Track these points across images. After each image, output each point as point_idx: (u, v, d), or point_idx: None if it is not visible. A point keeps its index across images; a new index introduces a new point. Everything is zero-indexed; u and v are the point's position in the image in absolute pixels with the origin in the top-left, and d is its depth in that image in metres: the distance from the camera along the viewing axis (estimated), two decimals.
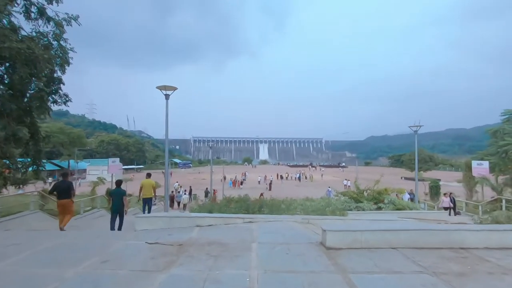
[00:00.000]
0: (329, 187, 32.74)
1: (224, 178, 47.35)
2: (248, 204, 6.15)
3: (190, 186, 27.82)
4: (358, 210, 9.53)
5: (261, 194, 21.33)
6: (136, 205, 14.27)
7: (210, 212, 5.96)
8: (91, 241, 4.94)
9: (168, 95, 8.22)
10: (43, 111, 9.63)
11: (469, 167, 15.69)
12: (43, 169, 10.54)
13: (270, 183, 41.73)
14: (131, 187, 32.60)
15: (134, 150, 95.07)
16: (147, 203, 9.66)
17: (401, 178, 54.14)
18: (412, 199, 12.98)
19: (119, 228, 8.32)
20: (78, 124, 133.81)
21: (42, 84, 8.88)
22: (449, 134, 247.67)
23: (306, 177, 54.93)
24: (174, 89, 8.15)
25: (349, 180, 45.43)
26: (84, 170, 49.44)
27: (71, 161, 46.09)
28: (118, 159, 15.59)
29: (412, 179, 52.50)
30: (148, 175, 10.51)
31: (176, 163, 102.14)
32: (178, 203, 24.93)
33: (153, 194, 9.83)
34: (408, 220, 7.19)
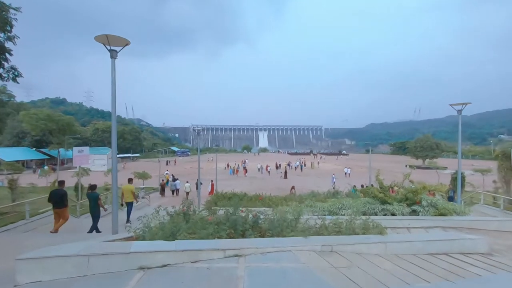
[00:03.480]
0: (333, 175, 33.42)
1: (228, 165, 45.91)
2: (236, 220, 3.81)
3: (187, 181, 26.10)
4: (384, 214, 7.27)
5: (292, 187, 19.02)
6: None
7: (173, 234, 3.62)
8: None
9: (115, 51, 5.30)
10: None
11: (507, 157, 13.39)
12: None
13: (286, 172, 38.86)
14: (122, 177, 30.55)
15: (131, 138, 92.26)
16: (128, 206, 10.15)
17: (406, 166, 51.97)
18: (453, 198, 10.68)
19: (91, 230, 8.60)
20: (75, 112, 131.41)
21: None
22: (449, 121, 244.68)
23: (305, 165, 52.72)
24: (124, 43, 5.23)
25: (349, 168, 43.38)
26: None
27: (61, 150, 43.74)
28: (87, 148, 13.16)
29: (419, 167, 50.53)
30: (129, 180, 11.28)
31: (174, 151, 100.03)
32: (173, 191, 23.61)
33: (133, 199, 10.41)
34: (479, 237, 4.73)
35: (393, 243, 4.13)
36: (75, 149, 11.63)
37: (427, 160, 52.96)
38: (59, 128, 47.05)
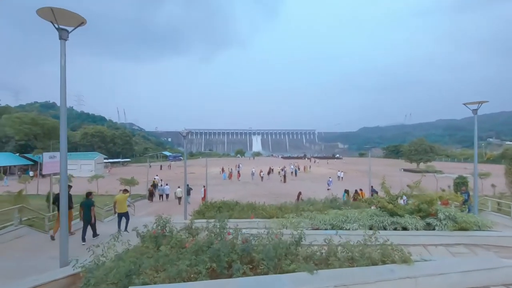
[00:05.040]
0: (330, 178, 33.44)
1: (222, 170, 44.95)
2: (220, 249, 2.79)
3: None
4: (395, 228, 6.33)
5: (299, 194, 18.12)
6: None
7: (131, 275, 2.58)
8: None
9: (66, 31, 4.18)
10: None
11: None
12: None
13: (285, 176, 38.36)
14: (107, 183, 29.05)
15: (121, 142, 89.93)
16: (124, 216, 10.08)
17: (400, 169, 51.55)
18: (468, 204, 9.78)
19: (94, 235, 9.06)
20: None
21: None
22: (439, 125, 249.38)
23: (299, 169, 51.92)
24: (78, 21, 4.13)
25: (343, 172, 42.71)
26: None
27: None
28: (58, 153, 11.87)
29: (413, 171, 50.14)
30: (124, 191, 11.26)
31: (166, 156, 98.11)
32: (161, 196, 22.79)
33: (127, 208, 10.28)
34: None
35: (424, 277, 3.18)
36: (46, 154, 10.35)
37: (422, 163, 52.70)
38: (44, 133, 45.29)
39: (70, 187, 9.48)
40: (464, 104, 9.17)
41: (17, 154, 48.21)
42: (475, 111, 9.06)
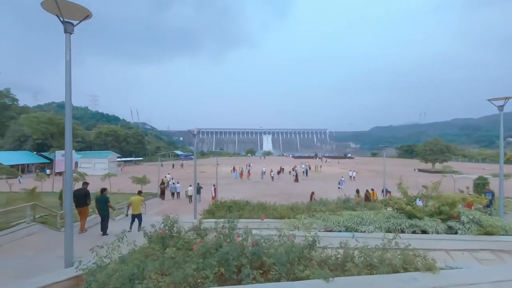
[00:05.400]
0: (342, 177, 33.17)
1: (234, 169, 45.16)
2: (229, 253, 2.59)
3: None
4: (413, 232, 5.99)
5: (312, 194, 18.47)
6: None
7: (134, 279, 2.43)
8: None
9: (71, 25, 4.02)
10: None
11: None
12: None
13: (297, 175, 38.08)
14: (120, 181, 29.28)
15: (134, 141, 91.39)
16: (137, 218, 10.21)
17: (414, 170, 50.16)
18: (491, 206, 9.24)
19: (102, 230, 9.27)
20: (81, 116, 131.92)
21: None
22: (455, 124, 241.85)
23: (310, 168, 51.39)
24: (84, 14, 3.96)
25: (355, 171, 41.90)
26: (76, 163, 46.28)
27: (75, 153, 42.96)
28: (74, 151, 11.93)
29: (428, 171, 48.71)
30: (139, 193, 11.52)
31: (177, 155, 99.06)
32: (173, 194, 23.04)
33: (141, 210, 10.37)
34: None
35: None
36: (58, 152, 10.39)
37: (438, 164, 51.16)
38: (59, 132, 46.41)
39: (87, 184, 10.02)
40: (489, 100, 8.63)
41: (35, 152, 49.67)
42: (501, 107, 8.52)
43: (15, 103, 61.88)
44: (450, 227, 5.92)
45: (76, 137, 48.27)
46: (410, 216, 6.27)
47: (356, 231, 6.24)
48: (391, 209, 7.19)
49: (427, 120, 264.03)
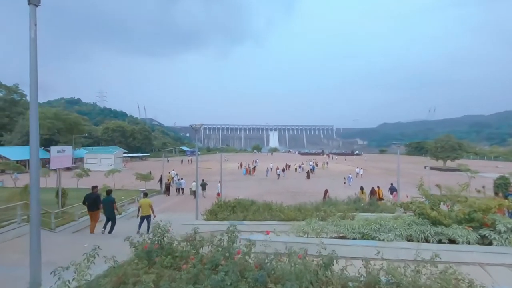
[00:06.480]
0: (349, 174, 32.77)
1: (241, 165, 44.86)
2: (225, 280, 1.93)
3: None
4: (439, 241, 5.29)
5: (326, 192, 18.25)
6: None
7: None
8: None
9: None
10: None
11: None
12: None
13: (308, 172, 37.87)
14: (124, 178, 28.86)
15: (141, 137, 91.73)
16: (146, 219, 10.24)
17: (425, 167, 48.76)
18: None
19: (110, 231, 9.44)
20: (89, 112, 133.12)
21: None
22: (465, 121, 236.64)
23: (316, 165, 50.57)
24: None
25: (362, 168, 40.90)
26: (82, 159, 46.37)
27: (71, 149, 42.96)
28: (69, 147, 11.46)
29: (439, 169, 47.30)
30: (145, 195, 12.05)
31: (183, 151, 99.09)
32: (177, 190, 22.77)
33: (150, 212, 10.41)
34: None
35: None
36: (53, 149, 10.00)
37: (449, 161, 49.69)
38: (66, 127, 46.47)
39: (96, 187, 10.03)
40: None
41: (41, 148, 49.91)
42: None
43: (24, 98, 62.27)
44: (483, 237, 5.19)
45: (84, 132, 48.25)
46: (435, 222, 5.55)
47: (373, 238, 5.57)
48: (404, 213, 6.50)
49: (436, 117, 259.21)
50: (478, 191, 17.07)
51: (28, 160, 32.46)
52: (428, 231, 5.41)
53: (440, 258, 3.10)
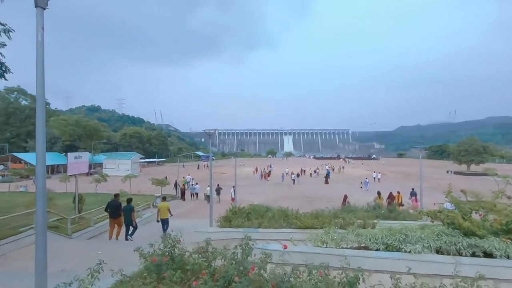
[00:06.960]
0: (366, 179, 32.39)
1: (256, 170, 44.88)
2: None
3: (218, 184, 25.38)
4: (473, 254, 4.82)
5: (345, 197, 17.75)
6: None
7: None
8: None
9: None
10: None
11: None
12: None
13: (327, 177, 37.24)
14: (140, 183, 29.28)
15: (157, 143, 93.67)
16: (164, 222, 11.16)
17: (447, 172, 46.72)
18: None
19: (131, 235, 9.92)
20: (108, 118, 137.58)
21: None
22: (489, 122, 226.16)
23: (333, 169, 49.64)
24: None
25: (379, 173, 39.64)
26: (101, 164, 47.64)
27: (88, 155, 44.26)
28: (86, 153, 11.69)
29: (463, 173, 45.15)
30: (163, 199, 13.06)
31: (199, 156, 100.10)
32: (192, 195, 22.90)
33: (168, 215, 11.27)
34: None
35: None
36: (70, 155, 10.19)
37: (474, 165, 47.41)
38: (86, 134, 47.95)
39: (118, 195, 10.50)
40: None
41: (63, 154, 51.75)
42: None
43: (47, 106, 65.06)
44: None
45: (103, 138, 49.65)
46: (467, 233, 5.09)
47: (398, 250, 5.17)
48: (431, 222, 6.04)
49: (458, 119, 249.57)
50: (509, 198, 15.94)
51: (51, 165, 33.66)
52: (460, 243, 4.96)
53: (484, 277, 2.74)
